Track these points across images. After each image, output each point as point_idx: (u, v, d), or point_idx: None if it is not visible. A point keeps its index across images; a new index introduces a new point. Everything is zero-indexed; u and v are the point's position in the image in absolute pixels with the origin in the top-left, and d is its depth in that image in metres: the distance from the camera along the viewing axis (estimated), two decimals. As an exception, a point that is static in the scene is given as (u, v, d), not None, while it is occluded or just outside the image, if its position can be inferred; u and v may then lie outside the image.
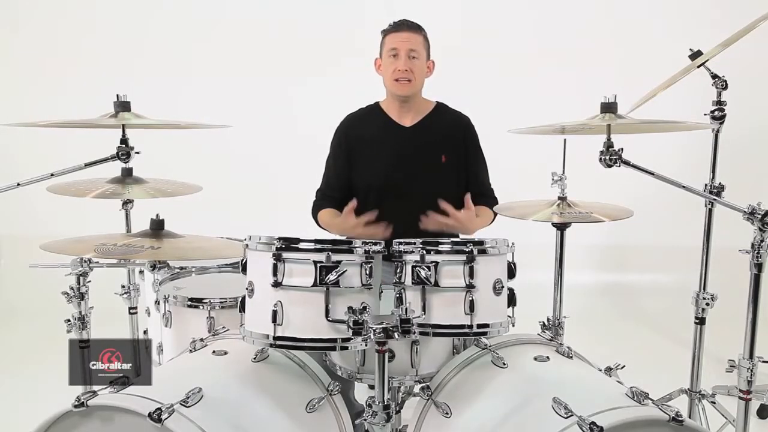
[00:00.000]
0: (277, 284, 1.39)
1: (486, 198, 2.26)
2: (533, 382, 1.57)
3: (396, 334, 1.27)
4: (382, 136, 2.23)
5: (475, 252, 1.46)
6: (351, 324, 1.32)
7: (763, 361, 1.81)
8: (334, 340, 1.39)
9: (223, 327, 1.93)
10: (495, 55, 4.22)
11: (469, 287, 1.46)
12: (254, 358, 1.66)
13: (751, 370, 1.60)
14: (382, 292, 1.54)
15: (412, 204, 2.07)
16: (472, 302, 1.45)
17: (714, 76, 2.13)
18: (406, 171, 2.19)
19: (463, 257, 1.46)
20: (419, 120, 2.24)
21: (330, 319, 1.38)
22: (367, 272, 1.42)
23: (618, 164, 1.59)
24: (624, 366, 1.73)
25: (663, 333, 3.64)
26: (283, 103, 4.27)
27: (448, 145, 2.22)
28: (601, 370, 1.70)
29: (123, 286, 2.33)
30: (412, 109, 2.23)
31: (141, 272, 2.39)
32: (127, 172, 1.97)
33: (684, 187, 1.60)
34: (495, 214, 2.17)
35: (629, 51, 4.12)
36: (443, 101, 2.34)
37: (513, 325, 1.59)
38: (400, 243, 1.52)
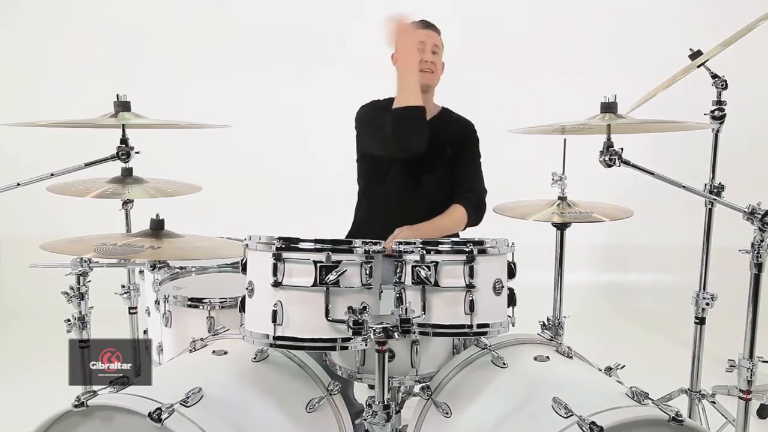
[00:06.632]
0: (277, 284, 1.39)
1: (467, 196, 2.28)
2: (533, 382, 1.57)
3: (396, 334, 1.27)
4: None
5: (475, 252, 1.46)
6: (351, 324, 1.31)
7: (763, 361, 1.81)
8: (334, 340, 1.39)
9: (223, 327, 1.92)
10: (495, 55, 4.22)
11: (469, 287, 1.45)
12: (254, 358, 1.66)
13: (751, 370, 1.60)
14: (382, 292, 1.54)
15: (414, 194, 2.27)
16: (472, 302, 1.45)
17: (714, 76, 2.13)
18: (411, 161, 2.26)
19: (463, 257, 1.45)
20: (428, 118, 2.28)
21: (330, 318, 1.38)
22: (367, 272, 1.42)
23: (618, 164, 1.59)
24: (624, 366, 1.73)
25: (663, 333, 3.64)
26: (283, 102, 4.26)
27: (451, 142, 2.29)
28: (601, 370, 1.70)
29: (123, 286, 2.33)
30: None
31: (141, 272, 2.39)
32: (127, 172, 1.97)
33: (684, 187, 1.60)
34: (470, 215, 2.23)
35: (629, 51, 4.12)
36: (445, 100, 2.38)
37: (513, 325, 1.59)
38: (400, 243, 1.52)
